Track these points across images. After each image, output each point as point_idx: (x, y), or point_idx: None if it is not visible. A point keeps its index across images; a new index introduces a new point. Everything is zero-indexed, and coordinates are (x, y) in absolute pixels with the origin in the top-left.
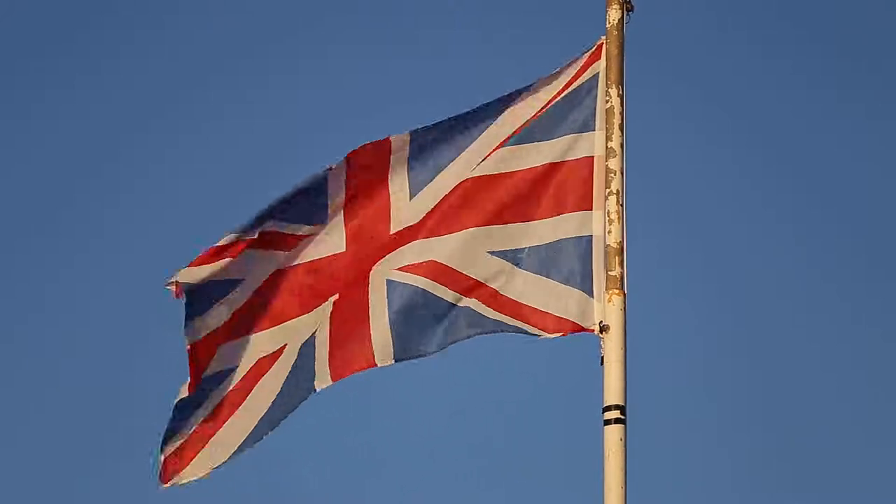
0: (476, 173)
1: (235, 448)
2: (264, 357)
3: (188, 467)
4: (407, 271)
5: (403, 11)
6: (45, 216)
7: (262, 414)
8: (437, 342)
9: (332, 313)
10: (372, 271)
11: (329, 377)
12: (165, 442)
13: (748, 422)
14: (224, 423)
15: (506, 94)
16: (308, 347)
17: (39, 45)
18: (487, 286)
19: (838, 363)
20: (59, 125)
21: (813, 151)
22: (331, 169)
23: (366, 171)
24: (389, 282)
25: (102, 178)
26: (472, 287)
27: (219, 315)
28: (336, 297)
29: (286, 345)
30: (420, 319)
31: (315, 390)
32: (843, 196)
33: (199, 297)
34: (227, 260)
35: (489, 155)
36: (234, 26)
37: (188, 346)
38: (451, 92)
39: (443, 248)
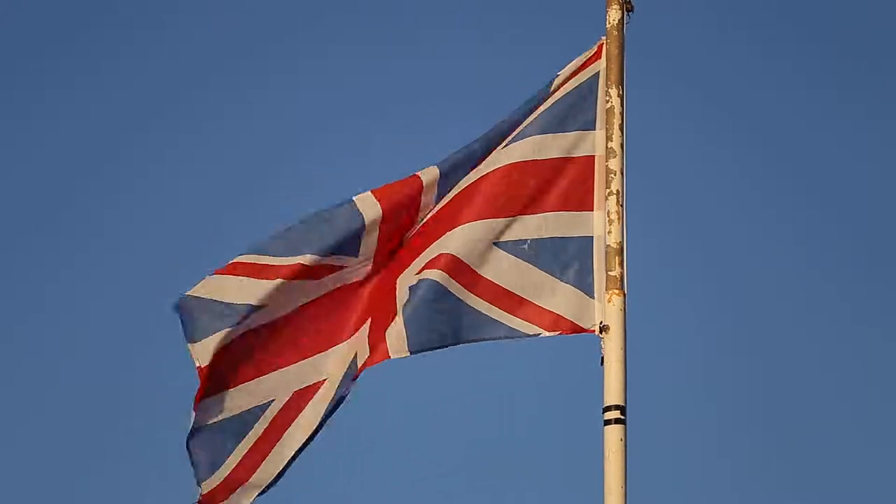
0: (484, 170)
1: (272, 478)
2: (301, 389)
3: (240, 488)
4: (425, 269)
5: (403, 11)
6: (45, 216)
7: (300, 446)
8: (450, 336)
9: (368, 334)
10: (398, 282)
11: (351, 378)
12: (204, 472)
13: (748, 422)
14: (264, 459)
15: (525, 106)
16: (351, 371)
17: (39, 45)
18: (491, 281)
19: (838, 363)
20: (59, 125)
21: (813, 151)
22: (355, 201)
23: (398, 215)
24: (411, 287)
25: (102, 178)
26: (477, 282)
27: (239, 338)
28: (370, 320)
29: (326, 379)
30: (434, 311)
31: (346, 396)
32: (843, 196)
33: (210, 314)
34: (253, 280)
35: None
36: (234, 26)
37: (202, 366)
38: (452, 92)
39: (454, 241)
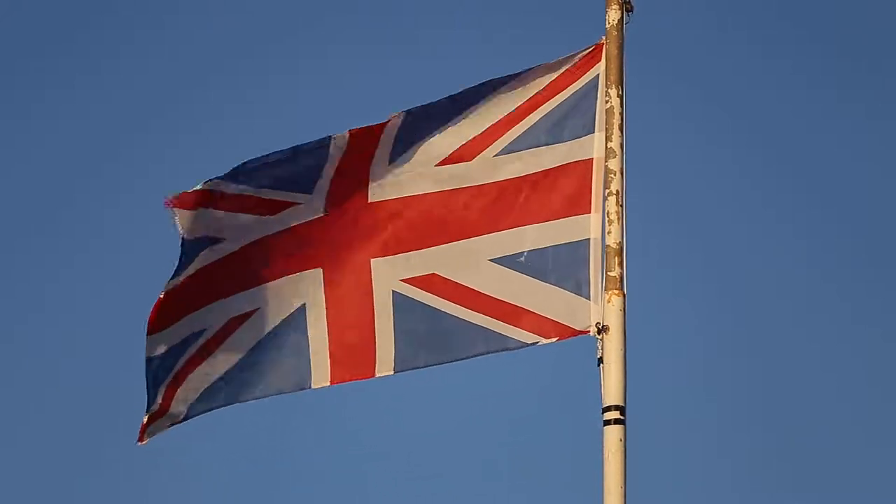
0: (474, 182)
1: (203, 391)
2: (235, 317)
3: (161, 418)
4: (412, 284)
5: (403, 11)
6: (45, 216)
7: (233, 365)
8: (438, 356)
9: (326, 304)
10: (374, 275)
11: (328, 378)
12: (148, 406)
13: (748, 422)
14: (190, 373)
15: (496, 78)
16: (297, 322)
17: (39, 45)
18: (488, 296)
19: (838, 363)
20: (59, 125)
21: (813, 151)
22: (333, 139)
23: (359, 148)
24: (395, 293)
25: (102, 178)
26: (474, 298)
27: (190, 270)
28: (321, 270)
29: (259, 308)
30: (425, 336)
31: (311, 387)
32: (843, 196)
33: (186, 248)
34: (215, 212)
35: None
36: (234, 26)
37: (162, 294)
38: (452, 92)
39: (444, 260)
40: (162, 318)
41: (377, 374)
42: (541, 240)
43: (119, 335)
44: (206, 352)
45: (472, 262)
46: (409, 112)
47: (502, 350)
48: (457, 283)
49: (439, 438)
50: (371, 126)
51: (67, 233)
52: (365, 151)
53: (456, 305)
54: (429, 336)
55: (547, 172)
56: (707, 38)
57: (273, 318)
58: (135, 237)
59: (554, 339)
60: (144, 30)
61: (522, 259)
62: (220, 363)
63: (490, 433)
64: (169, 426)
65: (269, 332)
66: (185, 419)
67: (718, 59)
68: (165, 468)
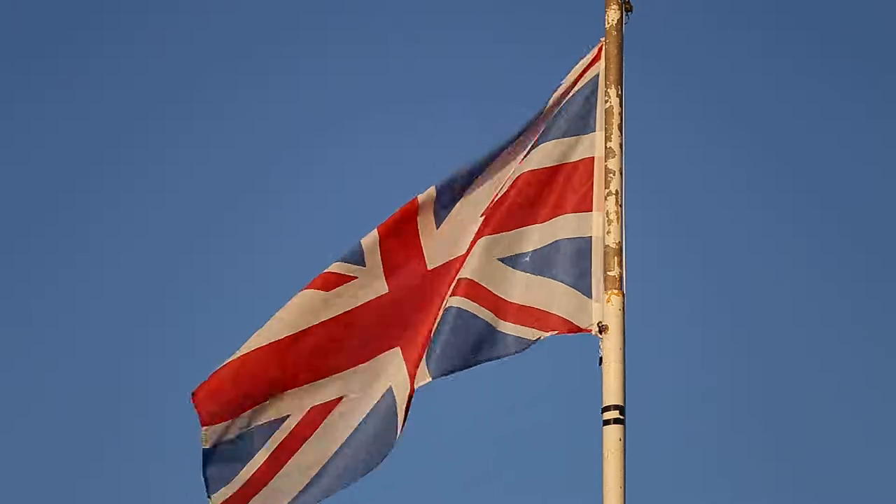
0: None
1: (293, 497)
2: (316, 406)
3: None
4: (452, 296)
5: (404, 11)
6: (44, 216)
7: (326, 462)
8: (465, 359)
9: (406, 363)
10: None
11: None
12: (215, 485)
13: (748, 422)
14: (278, 471)
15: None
16: (388, 405)
17: (39, 45)
18: (499, 297)
19: (838, 363)
20: (59, 125)
21: (813, 151)
22: (362, 244)
23: (397, 231)
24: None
25: (102, 178)
26: (490, 299)
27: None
28: (399, 349)
29: (343, 396)
30: (454, 337)
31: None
32: (843, 196)
33: None
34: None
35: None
36: (233, 26)
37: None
38: (452, 92)
39: (469, 264)
40: (220, 403)
41: (417, 385)
42: (545, 237)
43: (118, 335)
44: (298, 441)
45: (486, 263)
46: (439, 186)
47: (515, 353)
48: (477, 282)
49: (439, 438)
50: (398, 213)
51: (67, 233)
52: (406, 230)
53: (476, 304)
54: (457, 337)
55: (553, 169)
56: (707, 37)
57: (364, 406)
58: (135, 237)
59: (554, 333)
60: (144, 30)
61: (528, 259)
62: (311, 456)
63: (490, 433)
64: None
65: (363, 420)
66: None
67: (718, 59)
68: (166, 468)
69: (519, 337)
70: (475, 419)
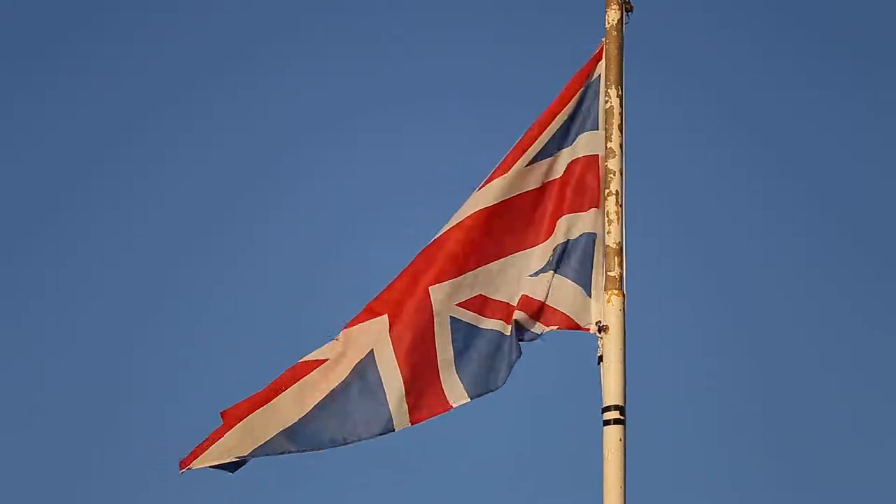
0: (506, 196)
1: (263, 441)
2: (304, 361)
3: (209, 450)
4: (465, 307)
5: (404, 11)
6: (45, 215)
7: (302, 416)
8: (502, 375)
9: (393, 343)
10: (433, 301)
11: (408, 419)
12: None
13: (748, 422)
14: (254, 410)
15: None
16: (369, 370)
17: (39, 45)
18: (527, 298)
19: (838, 363)
20: (59, 125)
21: (813, 151)
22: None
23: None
24: (453, 319)
25: (102, 178)
26: (512, 311)
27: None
28: (386, 316)
29: (328, 358)
30: (483, 356)
31: (394, 430)
32: (843, 196)
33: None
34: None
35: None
36: (234, 26)
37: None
38: (452, 92)
39: (487, 279)
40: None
41: (454, 405)
42: (559, 236)
43: (118, 335)
44: (276, 390)
45: (514, 278)
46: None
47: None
48: (498, 300)
49: (439, 438)
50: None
51: (67, 232)
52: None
53: (499, 321)
54: (486, 355)
55: (567, 169)
56: (707, 37)
57: (346, 366)
58: (135, 237)
59: (554, 328)
60: (143, 30)
61: (546, 265)
62: (290, 406)
63: (489, 432)
64: (227, 461)
65: (344, 381)
66: (251, 457)
67: (718, 59)
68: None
69: (526, 332)
70: (475, 418)
